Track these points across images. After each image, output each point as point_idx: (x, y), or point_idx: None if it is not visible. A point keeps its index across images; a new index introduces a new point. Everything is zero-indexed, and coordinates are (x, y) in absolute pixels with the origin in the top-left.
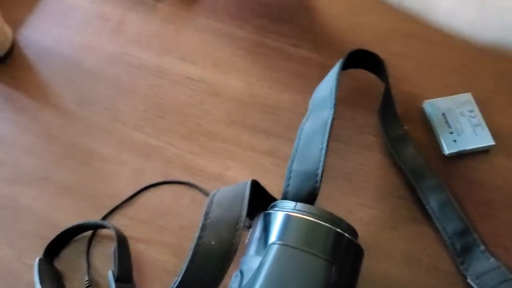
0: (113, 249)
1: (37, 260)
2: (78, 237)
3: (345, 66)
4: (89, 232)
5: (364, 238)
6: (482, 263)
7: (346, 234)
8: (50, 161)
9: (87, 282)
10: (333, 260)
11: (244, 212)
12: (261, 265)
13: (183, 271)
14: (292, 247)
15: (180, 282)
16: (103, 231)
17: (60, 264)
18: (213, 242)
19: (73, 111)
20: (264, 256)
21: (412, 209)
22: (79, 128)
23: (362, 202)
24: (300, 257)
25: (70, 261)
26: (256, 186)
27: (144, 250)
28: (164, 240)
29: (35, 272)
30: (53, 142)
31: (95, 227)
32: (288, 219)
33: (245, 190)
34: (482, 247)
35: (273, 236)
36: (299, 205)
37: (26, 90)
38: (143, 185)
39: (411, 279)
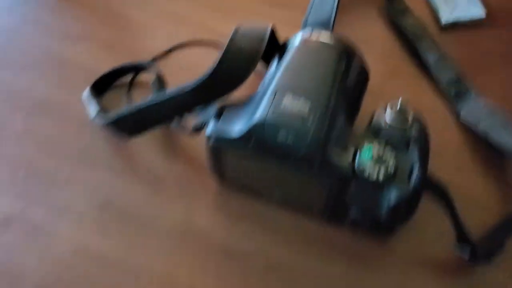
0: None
1: (88, 88)
2: (119, 82)
3: None
4: (130, 77)
5: (370, 86)
6: (473, 104)
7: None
8: (93, 23)
9: None
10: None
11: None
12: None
13: (216, 63)
14: (311, 40)
15: (212, 71)
16: (142, 78)
17: (103, 102)
18: (242, 45)
19: None
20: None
21: (413, 66)
22: None
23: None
24: (317, 48)
25: (112, 100)
26: (273, 33)
27: None
28: None
29: (87, 95)
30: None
31: (137, 68)
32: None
33: (266, 29)
34: (474, 92)
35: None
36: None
37: None
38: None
39: None
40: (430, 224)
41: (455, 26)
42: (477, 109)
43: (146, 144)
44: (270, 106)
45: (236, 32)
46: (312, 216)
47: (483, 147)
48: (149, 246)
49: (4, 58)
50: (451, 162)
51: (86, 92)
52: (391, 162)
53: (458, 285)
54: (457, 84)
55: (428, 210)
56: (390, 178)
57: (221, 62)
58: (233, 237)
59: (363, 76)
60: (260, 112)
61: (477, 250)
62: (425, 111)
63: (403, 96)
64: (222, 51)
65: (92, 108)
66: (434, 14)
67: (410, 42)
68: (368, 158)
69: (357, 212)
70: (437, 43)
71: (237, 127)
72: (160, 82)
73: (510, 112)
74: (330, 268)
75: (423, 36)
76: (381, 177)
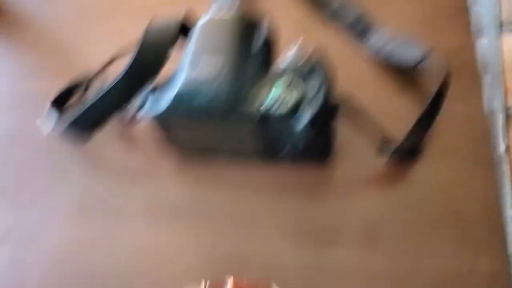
0: None
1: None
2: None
3: None
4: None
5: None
6: (377, 36)
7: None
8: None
9: None
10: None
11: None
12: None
13: (132, 58)
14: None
15: (129, 65)
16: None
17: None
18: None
19: None
20: None
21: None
22: None
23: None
24: (219, 24)
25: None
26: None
27: None
28: None
29: (47, 111)
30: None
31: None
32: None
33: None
34: (376, 26)
35: None
36: None
37: None
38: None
39: None
40: (356, 147)
41: None
42: (380, 39)
43: (104, 143)
44: (182, 80)
45: (147, 30)
46: (257, 162)
47: (389, 70)
48: (127, 225)
49: None
50: (367, 90)
51: (46, 110)
52: (294, 95)
53: (397, 189)
54: (361, 22)
55: (351, 136)
56: (297, 106)
57: (135, 57)
58: (196, 199)
59: (269, 37)
60: (175, 87)
61: (397, 146)
62: (336, 51)
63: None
64: (138, 43)
65: (52, 120)
66: None
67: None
68: (276, 95)
69: (287, 145)
70: None
71: (166, 97)
72: None
73: (409, 35)
74: (280, 206)
75: None
76: (288, 106)
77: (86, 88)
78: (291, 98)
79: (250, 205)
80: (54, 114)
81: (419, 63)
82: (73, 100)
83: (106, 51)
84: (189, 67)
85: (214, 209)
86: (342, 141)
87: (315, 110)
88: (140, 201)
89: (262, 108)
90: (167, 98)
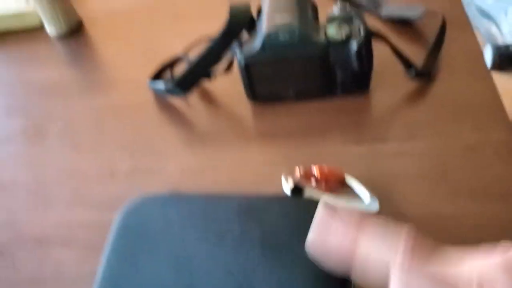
0: None
1: (150, 79)
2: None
3: None
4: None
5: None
6: (388, 6)
7: None
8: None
9: None
10: None
11: None
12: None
13: (227, 19)
14: None
15: (227, 24)
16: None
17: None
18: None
19: None
20: None
21: None
22: None
23: None
24: None
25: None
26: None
27: None
28: None
29: (151, 82)
30: None
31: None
32: None
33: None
34: (385, 0)
35: None
36: None
37: None
38: None
39: None
40: (388, 70)
41: None
42: (390, 7)
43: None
44: (268, 24)
45: (231, 4)
46: (316, 95)
47: (401, 25)
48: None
49: None
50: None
51: (150, 83)
52: (346, 29)
53: (418, 98)
54: (373, 0)
55: (384, 61)
56: (349, 36)
57: (229, 19)
58: (269, 125)
59: (313, 2)
60: (264, 29)
61: (418, 69)
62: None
63: None
64: (228, 14)
65: (159, 84)
66: None
67: None
68: (332, 31)
69: (341, 74)
70: None
71: (254, 45)
72: None
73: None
74: (339, 120)
75: None
76: (344, 36)
77: (172, 67)
78: (343, 33)
79: (317, 123)
80: (157, 82)
81: (422, 15)
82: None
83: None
84: (267, 21)
85: (290, 132)
86: (377, 70)
87: (360, 40)
88: (232, 131)
89: (326, 37)
90: (255, 44)
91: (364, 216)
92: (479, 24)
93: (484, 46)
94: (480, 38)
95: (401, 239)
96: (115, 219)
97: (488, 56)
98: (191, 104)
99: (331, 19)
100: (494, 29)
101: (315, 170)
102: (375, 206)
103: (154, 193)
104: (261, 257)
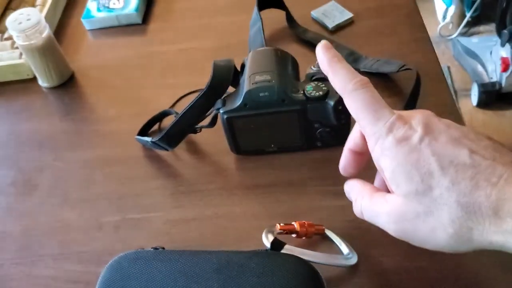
0: None
1: (136, 135)
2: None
3: (260, 8)
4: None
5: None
6: (365, 61)
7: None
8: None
9: None
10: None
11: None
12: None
13: (210, 78)
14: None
15: (209, 83)
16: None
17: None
18: (221, 65)
19: None
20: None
21: None
22: None
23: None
24: (262, 51)
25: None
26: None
27: None
28: None
29: (138, 138)
30: None
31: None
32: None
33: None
34: (363, 56)
35: None
36: None
37: None
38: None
39: None
40: None
41: (338, 28)
42: (368, 62)
43: (181, 163)
44: (249, 83)
45: (214, 62)
46: (297, 148)
47: (379, 78)
48: (211, 200)
49: None
50: None
51: (136, 137)
52: (323, 87)
53: None
54: (352, 55)
55: None
56: (326, 93)
57: (212, 77)
58: (252, 177)
59: (294, 60)
60: (245, 88)
61: None
62: None
63: None
64: (211, 72)
65: (146, 139)
66: (321, 25)
67: (314, 45)
68: (310, 89)
69: (319, 128)
70: (331, 39)
71: (236, 102)
72: None
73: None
74: (318, 173)
75: (321, 38)
76: (321, 93)
77: (161, 121)
78: (321, 90)
79: (298, 176)
80: (143, 138)
81: (398, 71)
82: (150, 131)
83: (165, 99)
84: (248, 81)
85: (271, 184)
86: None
87: (337, 97)
88: (216, 183)
89: (304, 94)
90: (237, 101)
91: None
92: (466, 64)
93: (471, 85)
94: (466, 77)
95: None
96: (101, 275)
97: (474, 93)
98: (177, 156)
99: (309, 77)
100: (480, 68)
101: (296, 226)
102: (354, 259)
103: (137, 250)
104: None
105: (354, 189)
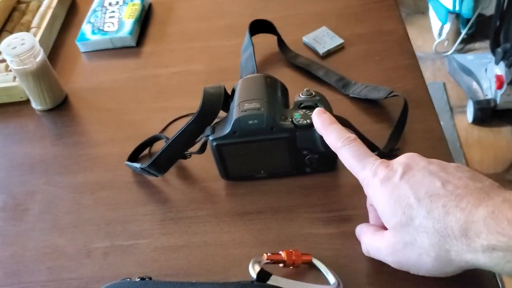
0: None
1: (126, 161)
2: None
3: (252, 33)
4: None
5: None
6: (354, 86)
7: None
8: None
9: None
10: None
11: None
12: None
13: (200, 105)
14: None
15: (199, 109)
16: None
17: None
18: (211, 92)
19: None
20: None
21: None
22: None
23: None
24: (252, 77)
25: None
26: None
27: None
28: None
29: (128, 164)
30: None
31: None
32: None
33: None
34: (353, 81)
35: None
36: None
37: None
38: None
39: None
40: None
41: (328, 53)
42: (357, 88)
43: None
44: (238, 111)
45: (204, 89)
46: (286, 174)
47: (366, 104)
48: (200, 228)
49: None
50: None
51: (127, 163)
52: (311, 115)
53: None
54: (342, 81)
55: None
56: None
57: (202, 104)
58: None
59: (284, 87)
60: (234, 116)
61: (381, 151)
62: (328, 97)
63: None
64: (201, 99)
65: (136, 165)
66: (312, 51)
67: (305, 70)
68: (298, 117)
69: (308, 155)
70: (321, 64)
71: (225, 129)
72: None
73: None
74: (307, 200)
75: (312, 64)
76: (309, 121)
77: (151, 145)
78: (308, 118)
79: (287, 203)
80: (133, 163)
81: (386, 97)
82: (141, 155)
83: (157, 122)
84: (238, 109)
85: (260, 211)
86: None
87: None
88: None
89: (292, 122)
90: (226, 128)
91: None
92: (461, 80)
93: (467, 101)
94: (462, 94)
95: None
96: None
97: (470, 110)
98: (167, 181)
99: (297, 104)
100: (475, 85)
101: (283, 255)
102: None
103: (123, 280)
104: None
105: (362, 231)
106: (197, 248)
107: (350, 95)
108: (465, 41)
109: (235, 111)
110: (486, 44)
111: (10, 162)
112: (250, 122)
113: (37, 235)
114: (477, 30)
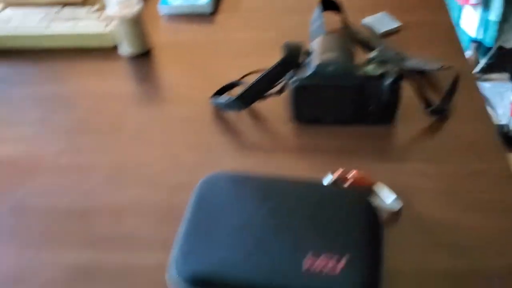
0: None
1: (212, 95)
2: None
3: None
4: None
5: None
6: (410, 60)
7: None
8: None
9: None
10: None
11: None
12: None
13: (283, 53)
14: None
15: (283, 58)
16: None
17: None
18: (291, 45)
19: None
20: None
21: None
22: None
23: None
24: (329, 35)
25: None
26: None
27: None
28: None
29: (213, 99)
30: None
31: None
32: None
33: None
34: (409, 56)
35: None
36: None
37: None
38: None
39: None
40: (410, 107)
41: (386, 34)
42: (412, 61)
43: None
44: (319, 58)
45: (286, 42)
46: (349, 122)
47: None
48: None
49: None
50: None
51: (212, 98)
52: (382, 68)
53: (434, 131)
54: (399, 55)
55: (408, 100)
56: (384, 73)
57: (286, 52)
58: (307, 144)
59: (355, 48)
60: (316, 61)
61: (436, 108)
62: None
63: None
64: (284, 48)
65: (221, 99)
66: (371, 31)
67: (365, 45)
68: (370, 68)
69: (373, 105)
70: (381, 41)
71: (306, 72)
72: None
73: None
74: (366, 144)
75: (372, 40)
76: (380, 72)
77: (231, 90)
78: (379, 70)
79: (350, 145)
80: (219, 97)
81: (439, 69)
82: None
83: (234, 77)
84: (318, 57)
85: (326, 150)
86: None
87: (393, 77)
88: (274, 145)
89: (365, 71)
90: (307, 71)
91: None
92: None
93: None
94: None
95: None
96: (194, 190)
97: None
98: (241, 120)
99: (370, 59)
100: (489, 111)
101: (353, 173)
102: (399, 205)
103: (225, 171)
104: (310, 225)
105: None
106: (271, 169)
107: (406, 67)
108: (483, 71)
109: (316, 59)
110: (503, 76)
111: (100, 96)
112: (329, 68)
113: (133, 150)
114: (496, 61)
